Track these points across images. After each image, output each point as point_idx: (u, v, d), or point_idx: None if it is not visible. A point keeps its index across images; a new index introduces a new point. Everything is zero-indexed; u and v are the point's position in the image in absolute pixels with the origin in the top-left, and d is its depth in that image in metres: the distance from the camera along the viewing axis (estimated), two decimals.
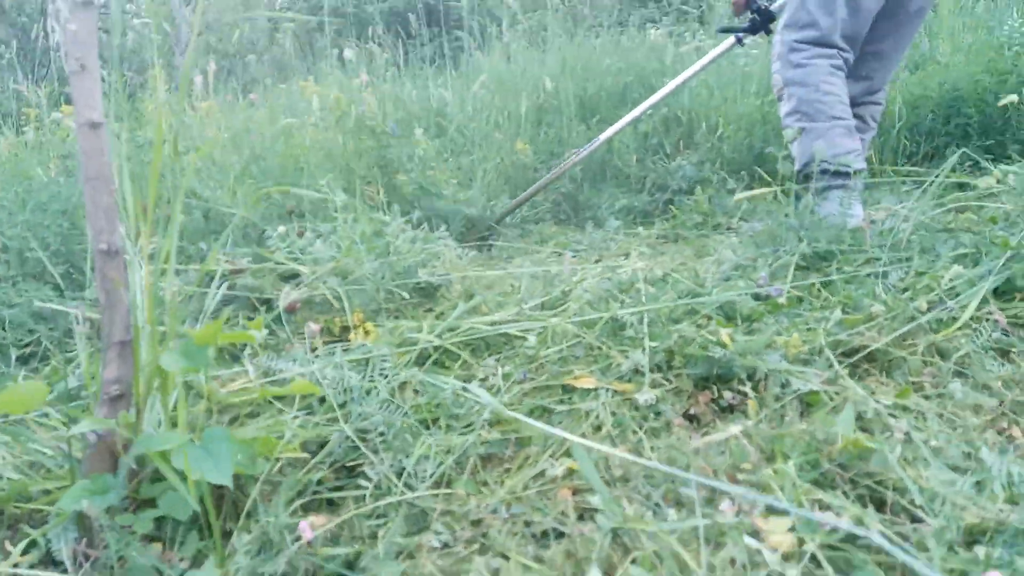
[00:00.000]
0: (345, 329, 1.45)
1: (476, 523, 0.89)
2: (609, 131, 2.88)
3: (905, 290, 1.37)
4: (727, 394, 1.13)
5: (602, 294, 1.45)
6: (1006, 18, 3.56)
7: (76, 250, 1.80)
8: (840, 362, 1.13)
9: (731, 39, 2.60)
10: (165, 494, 0.88)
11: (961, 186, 2.23)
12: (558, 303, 1.52)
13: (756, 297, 1.46)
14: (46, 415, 1.07)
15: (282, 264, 1.55)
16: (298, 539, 0.81)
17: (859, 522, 0.70)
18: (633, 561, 0.72)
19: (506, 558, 0.80)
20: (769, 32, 2.36)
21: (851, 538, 0.72)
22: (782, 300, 1.42)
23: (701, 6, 5.24)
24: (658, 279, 1.56)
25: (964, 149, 2.61)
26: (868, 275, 1.41)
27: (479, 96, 3.90)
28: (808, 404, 1.05)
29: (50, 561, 0.87)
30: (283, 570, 0.81)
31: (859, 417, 0.97)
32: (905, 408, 1.01)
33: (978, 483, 0.77)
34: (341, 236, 1.55)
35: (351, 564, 0.86)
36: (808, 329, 1.25)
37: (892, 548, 0.61)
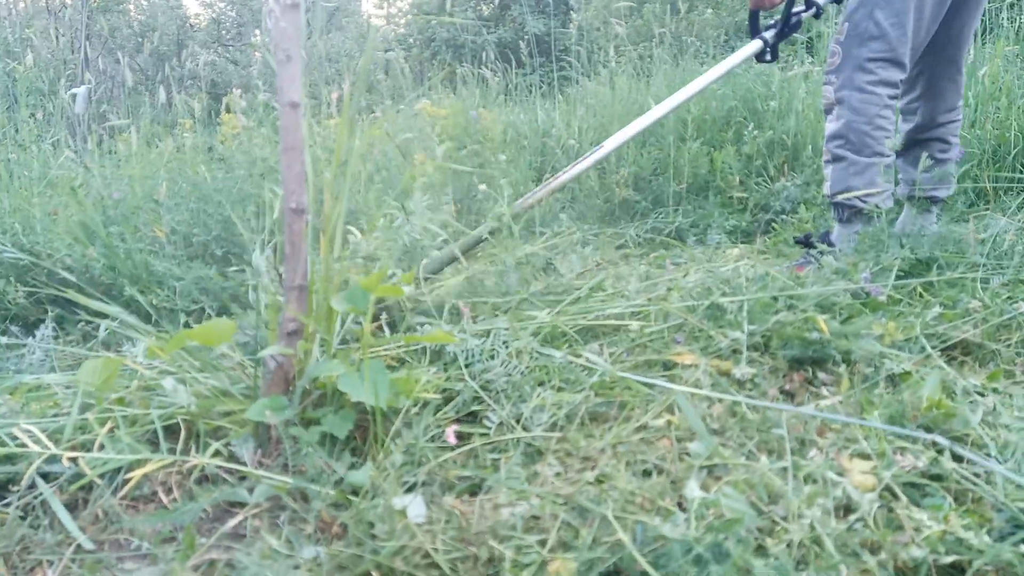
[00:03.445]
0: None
1: (586, 459, 1.01)
2: (623, 134, 2.50)
3: (1006, 294, 1.40)
4: (821, 374, 1.21)
5: (704, 286, 1.55)
6: None
7: (236, 236, 2.05)
8: (935, 349, 1.19)
9: (756, 43, 2.31)
10: (327, 416, 1.05)
11: None
12: (661, 299, 1.63)
13: (856, 296, 1.52)
14: (223, 355, 1.28)
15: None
16: (438, 455, 0.96)
17: (934, 462, 0.78)
18: (727, 483, 0.83)
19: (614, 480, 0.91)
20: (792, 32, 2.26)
21: (935, 478, 0.80)
22: (882, 298, 1.48)
23: (809, 32, 5.23)
24: (759, 276, 1.64)
25: None
26: (970, 279, 1.45)
27: (584, 117, 4.07)
28: (899, 383, 1.12)
29: (232, 464, 1.05)
30: (423, 479, 0.96)
31: (949, 394, 1.03)
32: (995, 390, 1.06)
33: None
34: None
35: (478, 486, 1.00)
36: (906, 324, 1.32)
37: (961, 477, 0.69)
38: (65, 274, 1.78)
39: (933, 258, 1.56)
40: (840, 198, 2.02)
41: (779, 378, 1.24)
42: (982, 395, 1.02)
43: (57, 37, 11.97)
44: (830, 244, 2.11)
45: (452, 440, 0.94)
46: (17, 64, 2.98)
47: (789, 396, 1.19)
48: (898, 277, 1.63)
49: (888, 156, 1.97)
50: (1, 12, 12.12)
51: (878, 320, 1.35)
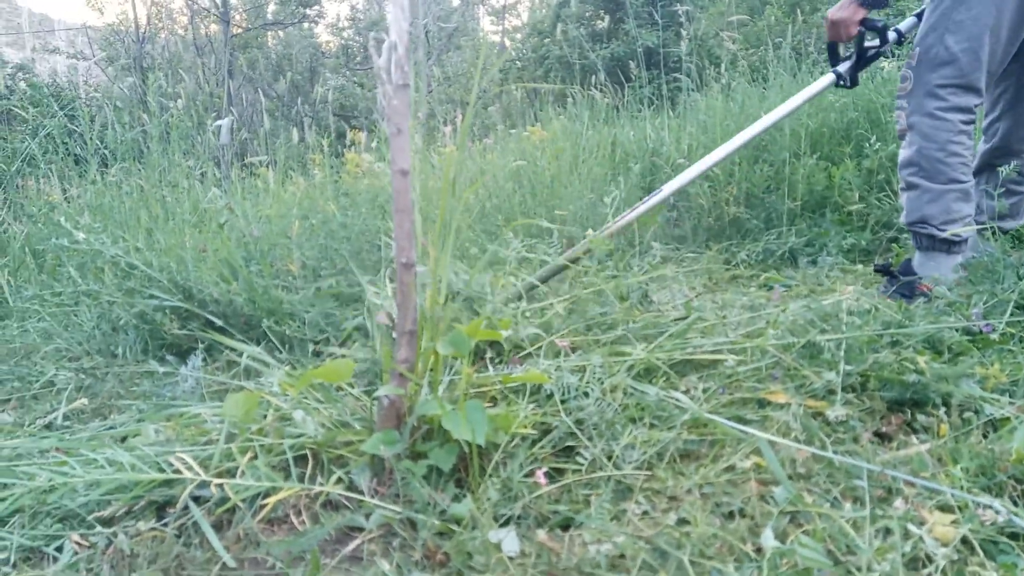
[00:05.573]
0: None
1: (672, 499, 1.07)
2: (687, 174, 2.37)
3: None
4: (921, 417, 1.20)
5: (803, 322, 1.55)
6: None
7: (363, 267, 2.22)
8: None
9: (829, 76, 2.37)
10: (434, 449, 1.16)
11: None
12: (759, 333, 1.64)
13: (967, 332, 1.48)
14: (340, 388, 1.42)
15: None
16: (532, 490, 1.04)
17: (1015, 515, 0.79)
18: (805, 532, 0.86)
19: (695, 524, 0.96)
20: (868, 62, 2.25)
21: (1012, 536, 0.80)
22: (994, 336, 1.43)
23: None
24: (863, 310, 1.62)
25: None
26: None
27: (693, 134, 4.05)
28: (997, 429, 1.10)
29: (351, 491, 1.18)
30: (519, 513, 1.04)
31: None
32: None
33: None
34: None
35: (569, 520, 1.07)
36: (1014, 362, 1.28)
37: None
38: (212, 307, 2.01)
39: None
40: (917, 227, 1.98)
41: (876, 420, 1.23)
42: None
43: (204, 71, 13.09)
44: (912, 273, 2.04)
45: (542, 481, 1.02)
46: (171, 109, 3.34)
47: (885, 439, 1.19)
48: (1017, 306, 1.56)
49: (965, 182, 1.90)
50: (156, 50, 13.42)
51: (984, 360, 1.32)
